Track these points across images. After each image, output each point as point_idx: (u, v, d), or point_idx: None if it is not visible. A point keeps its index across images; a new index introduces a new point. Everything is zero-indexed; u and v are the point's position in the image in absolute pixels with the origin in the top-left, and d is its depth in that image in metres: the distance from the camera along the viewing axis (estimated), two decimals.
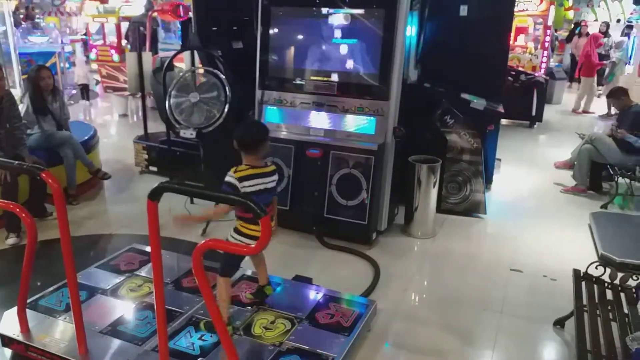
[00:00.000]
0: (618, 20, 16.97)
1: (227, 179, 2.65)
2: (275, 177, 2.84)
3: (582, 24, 12.98)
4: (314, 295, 3.19)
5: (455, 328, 3.19)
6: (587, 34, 11.95)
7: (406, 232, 4.50)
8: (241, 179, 2.66)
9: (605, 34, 11.89)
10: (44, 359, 2.62)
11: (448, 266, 4.00)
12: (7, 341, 2.73)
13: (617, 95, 5.78)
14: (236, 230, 2.73)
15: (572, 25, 15.36)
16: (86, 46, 14.01)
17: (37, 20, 11.82)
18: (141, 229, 4.23)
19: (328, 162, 4.14)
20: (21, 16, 12.98)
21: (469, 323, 3.26)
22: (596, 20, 17.00)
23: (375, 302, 3.16)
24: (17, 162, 2.77)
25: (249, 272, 3.41)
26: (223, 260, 2.83)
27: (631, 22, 14.95)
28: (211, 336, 2.72)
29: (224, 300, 2.79)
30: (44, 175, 2.37)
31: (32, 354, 2.66)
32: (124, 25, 9.94)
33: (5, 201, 2.98)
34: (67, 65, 10.51)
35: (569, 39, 14.66)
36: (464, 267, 3.99)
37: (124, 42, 9.92)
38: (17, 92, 5.81)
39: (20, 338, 2.69)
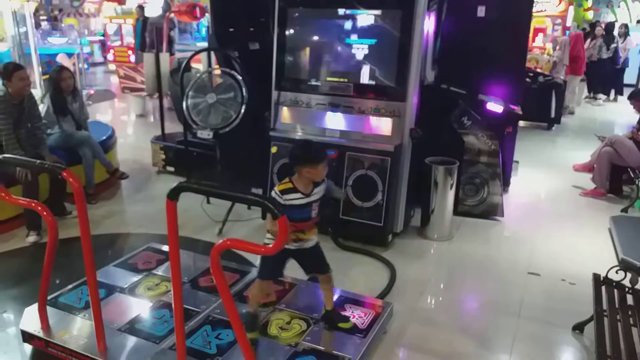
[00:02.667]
0: (638, 21, 16.69)
1: None
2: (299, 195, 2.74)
3: (597, 24, 12.76)
4: None
5: (472, 331, 3.17)
6: (603, 35, 11.69)
7: (422, 234, 4.48)
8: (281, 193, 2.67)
9: (589, 34, 11.58)
10: (63, 355, 2.66)
11: (465, 269, 3.98)
12: (28, 337, 2.78)
13: (638, 97, 5.70)
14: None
15: (588, 27, 15.14)
16: (104, 47, 14.22)
17: (56, 22, 12.04)
18: (158, 228, 4.29)
19: (344, 163, 4.13)
20: (42, 17, 13.18)
21: (486, 327, 3.23)
22: (616, 21, 16.72)
23: (391, 304, 3.15)
24: (38, 161, 2.82)
25: None
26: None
27: None
28: (227, 335, 2.73)
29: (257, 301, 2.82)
30: (65, 174, 2.40)
31: (52, 350, 2.70)
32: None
33: (28, 200, 3.02)
34: (85, 66, 10.69)
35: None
36: (480, 270, 3.96)
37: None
38: (37, 93, 5.90)
39: (40, 334, 2.73)
